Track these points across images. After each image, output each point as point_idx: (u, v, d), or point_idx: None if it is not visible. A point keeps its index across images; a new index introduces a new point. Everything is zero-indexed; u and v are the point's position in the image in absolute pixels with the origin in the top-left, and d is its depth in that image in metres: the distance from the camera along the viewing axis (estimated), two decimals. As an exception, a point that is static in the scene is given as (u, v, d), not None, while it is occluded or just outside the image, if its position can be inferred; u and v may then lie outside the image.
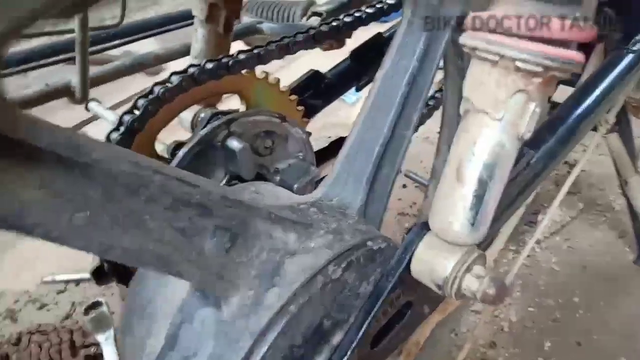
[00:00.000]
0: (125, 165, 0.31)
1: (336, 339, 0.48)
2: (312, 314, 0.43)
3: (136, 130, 0.59)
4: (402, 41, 0.51)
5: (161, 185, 0.33)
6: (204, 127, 0.64)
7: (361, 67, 0.92)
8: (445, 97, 0.76)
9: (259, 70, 0.72)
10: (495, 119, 0.40)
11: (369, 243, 0.46)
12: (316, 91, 0.83)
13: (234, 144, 0.62)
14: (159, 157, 0.65)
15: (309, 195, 0.55)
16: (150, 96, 0.59)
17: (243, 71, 0.67)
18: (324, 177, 0.59)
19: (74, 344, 1.32)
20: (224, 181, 0.65)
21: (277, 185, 0.59)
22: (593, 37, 0.38)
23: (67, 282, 1.52)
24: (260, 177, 0.69)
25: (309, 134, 0.74)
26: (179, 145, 0.70)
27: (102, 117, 0.73)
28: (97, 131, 0.63)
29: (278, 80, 0.74)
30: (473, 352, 1.21)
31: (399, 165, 0.56)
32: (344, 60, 0.94)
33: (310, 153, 0.75)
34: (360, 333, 0.48)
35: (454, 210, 0.44)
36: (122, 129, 0.59)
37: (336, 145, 0.89)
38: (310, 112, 0.82)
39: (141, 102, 0.59)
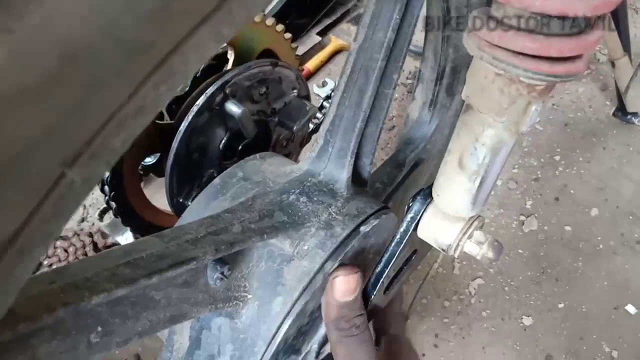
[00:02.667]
0: (121, 291, 0.32)
1: None
2: (315, 304, 0.48)
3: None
4: (375, 9, 0.47)
5: (157, 280, 0.34)
6: (199, 87, 0.63)
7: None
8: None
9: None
10: (498, 121, 0.42)
11: (362, 228, 0.49)
12: (299, 11, 0.78)
13: (233, 109, 0.61)
14: (157, 125, 0.65)
15: (297, 167, 0.54)
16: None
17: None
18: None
19: (97, 246, 1.42)
20: (225, 139, 0.67)
21: (264, 156, 0.58)
22: (597, 43, 0.37)
23: (76, 233, 1.57)
24: (259, 122, 0.70)
25: (301, 70, 0.72)
26: (174, 100, 0.69)
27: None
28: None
29: (263, 17, 0.69)
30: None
31: (383, 120, 0.54)
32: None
33: (304, 87, 0.75)
34: (376, 290, 0.55)
35: (456, 192, 0.48)
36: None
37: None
38: (299, 33, 0.78)
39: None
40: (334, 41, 1.73)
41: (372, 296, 0.55)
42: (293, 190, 0.50)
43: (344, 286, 0.46)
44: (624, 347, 1.13)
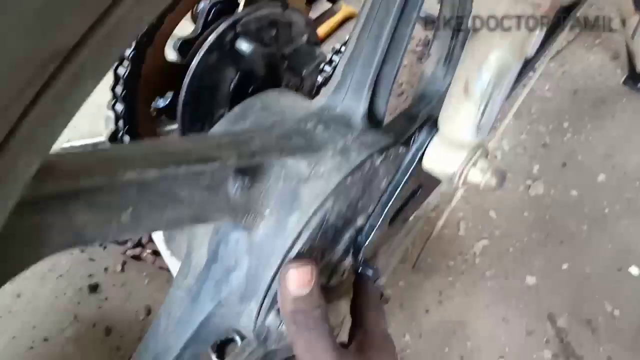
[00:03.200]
0: (151, 173, 0.34)
1: (350, 232, 0.56)
2: (328, 226, 0.50)
3: (145, 45, 0.60)
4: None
5: (184, 170, 0.36)
6: (211, 25, 0.65)
7: None
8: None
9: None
10: (503, 42, 0.43)
11: (375, 156, 0.51)
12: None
13: (244, 46, 0.63)
14: (170, 65, 0.66)
15: (314, 102, 0.56)
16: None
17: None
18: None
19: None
20: (235, 80, 0.68)
21: (283, 90, 0.60)
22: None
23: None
24: (269, 66, 0.72)
25: (310, 18, 0.74)
26: (185, 42, 0.71)
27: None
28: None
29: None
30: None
31: (400, 61, 0.56)
32: None
33: (313, 34, 0.76)
34: (381, 219, 0.57)
35: (462, 119, 0.49)
36: (131, 45, 0.60)
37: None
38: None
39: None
40: (345, 8, 1.72)
41: (376, 228, 0.57)
42: (311, 120, 0.52)
43: (298, 279, 0.45)
44: (626, 307, 1.15)
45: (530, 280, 1.22)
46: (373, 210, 0.57)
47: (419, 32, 1.66)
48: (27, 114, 0.18)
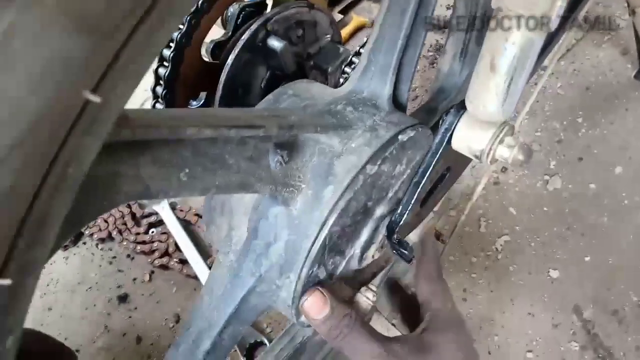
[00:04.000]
0: (207, 132, 0.37)
1: (379, 211, 0.58)
2: (359, 201, 0.52)
3: (184, 46, 0.64)
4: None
5: (234, 133, 0.40)
6: (241, 28, 0.68)
7: None
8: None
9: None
10: (526, 17, 0.46)
11: (400, 136, 0.54)
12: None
13: (275, 43, 0.66)
14: (206, 64, 0.70)
15: (341, 89, 0.59)
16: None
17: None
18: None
19: (135, 215, 1.49)
20: (266, 77, 0.72)
21: (311, 81, 0.63)
22: None
23: None
24: (297, 64, 0.75)
25: (333, 17, 0.77)
26: (217, 44, 0.75)
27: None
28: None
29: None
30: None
31: (421, 47, 0.59)
32: None
33: (337, 33, 0.79)
34: (413, 200, 0.60)
35: (488, 95, 0.52)
36: (172, 46, 0.63)
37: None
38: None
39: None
40: (356, 18, 1.77)
41: (410, 207, 0.60)
42: (340, 102, 0.55)
43: (314, 307, 0.52)
44: (652, 296, 1.16)
45: (554, 273, 1.22)
46: (405, 192, 0.60)
47: (430, 38, 1.70)
48: (127, 43, 0.20)
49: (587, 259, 1.23)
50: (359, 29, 1.80)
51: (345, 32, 1.78)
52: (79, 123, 0.20)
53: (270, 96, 0.57)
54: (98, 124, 0.21)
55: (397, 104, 0.61)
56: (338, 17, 1.75)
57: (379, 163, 0.52)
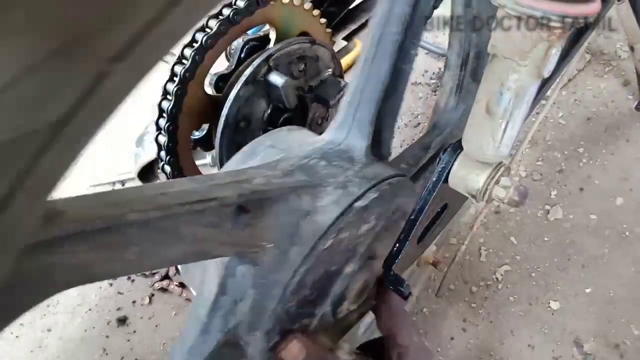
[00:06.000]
0: (154, 213, 0.36)
1: (349, 268, 0.56)
2: (327, 261, 0.51)
3: (188, 80, 0.65)
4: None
5: (186, 210, 0.38)
6: (244, 63, 0.70)
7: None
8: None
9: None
10: (521, 65, 0.47)
11: (374, 188, 0.53)
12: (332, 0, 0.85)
13: (277, 79, 0.68)
14: (209, 97, 0.72)
15: (320, 137, 0.59)
16: (195, 45, 0.64)
17: (271, 2, 0.70)
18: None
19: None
20: (268, 111, 0.73)
21: (292, 128, 0.62)
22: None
23: (113, 183, 1.65)
24: (299, 97, 0.76)
25: (334, 51, 0.79)
26: (220, 77, 0.76)
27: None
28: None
29: (302, 1, 0.77)
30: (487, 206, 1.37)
31: (402, 95, 0.58)
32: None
33: (338, 66, 0.81)
34: (410, 236, 0.60)
35: (484, 138, 0.53)
36: (176, 80, 0.65)
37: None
38: (331, 21, 0.84)
39: (188, 52, 0.64)
40: (359, 45, 1.80)
41: (406, 244, 0.60)
42: (314, 156, 0.54)
43: (291, 355, 0.51)
44: (653, 330, 1.15)
45: (554, 304, 1.22)
46: (399, 237, 0.60)
47: (432, 66, 1.73)
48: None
49: (587, 290, 1.22)
50: (362, 55, 1.82)
51: (348, 58, 1.80)
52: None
53: (246, 147, 0.56)
54: None
55: (379, 151, 0.60)
56: (342, 43, 1.77)
57: (350, 217, 0.50)
